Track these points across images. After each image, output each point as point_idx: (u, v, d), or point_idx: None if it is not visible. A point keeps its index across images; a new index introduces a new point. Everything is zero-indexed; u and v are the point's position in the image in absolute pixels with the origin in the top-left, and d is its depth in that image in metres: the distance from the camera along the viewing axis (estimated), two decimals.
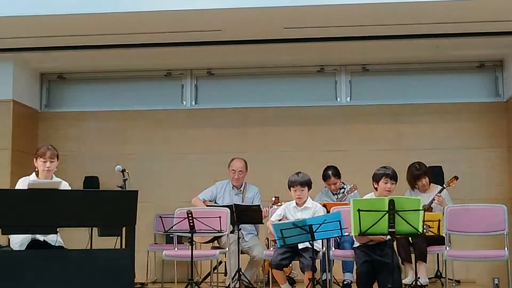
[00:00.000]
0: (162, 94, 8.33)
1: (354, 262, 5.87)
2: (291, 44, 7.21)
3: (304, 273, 5.60)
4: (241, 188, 6.91)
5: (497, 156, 7.70)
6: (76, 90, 8.50)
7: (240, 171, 6.85)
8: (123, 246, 4.52)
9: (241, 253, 6.37)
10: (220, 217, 5.90)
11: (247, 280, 6.48)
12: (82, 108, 8.36)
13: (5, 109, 7.65)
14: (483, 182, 7.65)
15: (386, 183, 5.47)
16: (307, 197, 5.79)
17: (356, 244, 5.57)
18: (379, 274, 5.33)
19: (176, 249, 6.41)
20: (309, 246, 5.21)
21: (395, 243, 5.09)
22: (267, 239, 6.65)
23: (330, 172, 6.85)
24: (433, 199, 6.44)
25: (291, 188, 5.78)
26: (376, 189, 5.55)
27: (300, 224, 5.08)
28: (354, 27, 6.63)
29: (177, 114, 8.23)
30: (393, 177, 5.50)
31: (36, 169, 5.47)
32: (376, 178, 5.53)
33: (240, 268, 6.29)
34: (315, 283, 5.33)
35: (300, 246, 5.48)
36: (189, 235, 5.85)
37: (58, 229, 4.90)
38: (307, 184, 5.76)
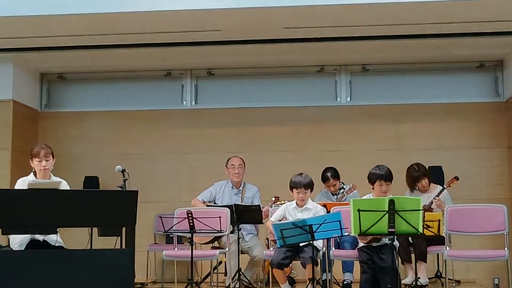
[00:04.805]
0: (162, 94, 8.32)
1: (354, 262, 5.86)
2: (291, 44, 7.20)
3: (305, 268, 5.56)
4: (240, 188, 6.92)
5: (497, 156, 7.70)
6: (76, 90, 8.50)
7: (239, 165, 6.88)
8: (123, 246, 4.51)
9: (241, 253, 6.36)
10: (220, 217, 5.90)
11: (247, 280, 6.48)
12: (82, 108, 8.35)
13: (5, 109, 7.64)
14: (483, 182, 7.64)
15: (381, 185, 5.44)
16: (308, 198, 5.79)
17: (360, 245, 5.57)
18: (379, 275, 5.33)
19: (176, 249, 6.42)
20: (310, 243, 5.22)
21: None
22: (267, 239, 6.64)
23: (328, 174, 6.83)
24: (432, 201, 6.44)
25: (294, 190, 5.77)
26: (373, 189, 5.56)
27: (300, 224, 5.09)
28: (354, 27, 6.63)
29: (177, 114, 8.23)
30: (387, 178, 5.47)
31: (34, 170, 5.45)
32: (371, 181, 5.52)
33: (240, 268, 6.29)
34: (315, 283, 5.33)
35: (301, 244, 5.47)
36: (189, 235, 5.85)
37: (58, 229, 4.90)
38: (310, 186, 5.77)
